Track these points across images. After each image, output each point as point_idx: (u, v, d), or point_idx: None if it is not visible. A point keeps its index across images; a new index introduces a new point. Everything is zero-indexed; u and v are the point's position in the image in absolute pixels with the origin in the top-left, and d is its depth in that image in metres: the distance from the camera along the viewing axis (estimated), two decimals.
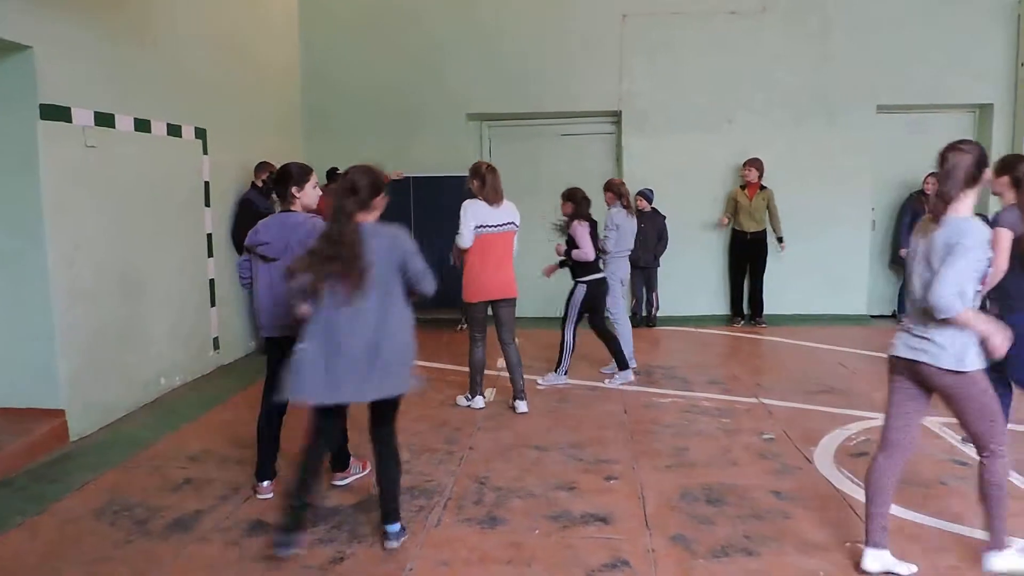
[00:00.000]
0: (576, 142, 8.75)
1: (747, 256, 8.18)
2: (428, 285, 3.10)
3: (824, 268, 8.35)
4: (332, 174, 7.62)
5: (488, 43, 8.39)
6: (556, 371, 5.87)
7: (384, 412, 3.21)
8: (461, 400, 5.32)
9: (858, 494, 3.72)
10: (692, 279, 8.48)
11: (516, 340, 5.22)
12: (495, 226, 4.94)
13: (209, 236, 6.37)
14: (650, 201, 8.03)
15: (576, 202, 5.71)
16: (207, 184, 6.33)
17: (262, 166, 6.75)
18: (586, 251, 5.53)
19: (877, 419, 4.82)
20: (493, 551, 3.22)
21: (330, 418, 3.19)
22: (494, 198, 4.93)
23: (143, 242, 5.42)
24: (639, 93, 8.35)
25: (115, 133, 5.09)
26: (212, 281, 6.40)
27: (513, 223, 5.03)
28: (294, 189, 3.64)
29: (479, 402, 5.24)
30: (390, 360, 3.00)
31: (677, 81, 8.30)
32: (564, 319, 5.79)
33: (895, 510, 3.53)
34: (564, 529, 3.42)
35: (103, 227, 4.98)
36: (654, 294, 8.26)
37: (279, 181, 3.72)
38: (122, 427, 4.96)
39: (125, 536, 3.39)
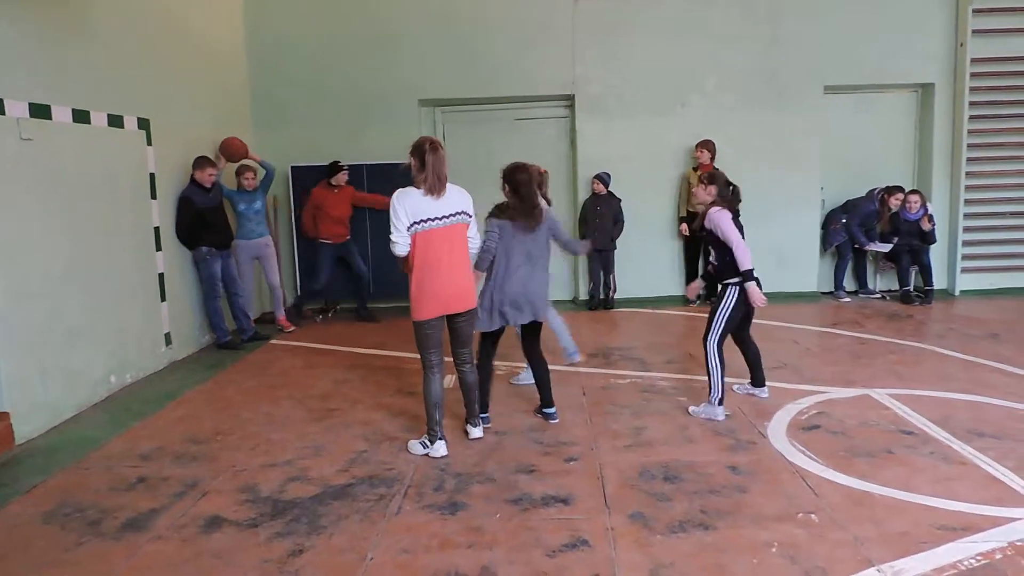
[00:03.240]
0: (530, 127, 8.74)
1: (702, 237, 8.27)
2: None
3: (776, 247, 8.50)
4: (333, 167, 7.63)
5: (440, 28, 8.31)
6: (710, 401, 4.60)
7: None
8: (416, 447, 4.17)
9: (810, 466, 3.83)
10: (648, 261, 8.57)
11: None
12: (438, 219, 3.93)
13: (157, 229, 6.20)
14: (606, 184, 8.08)
15: (719, 185, 4.69)
16: (152, 176, 6.15)
17: (201, 161, 6.54)
18: (740, 245, 4.46)
19: (828, 393, 4.98)
20: (454, 536, 3.22)
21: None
22: (435, 187, 3.90)
23: (87, 237, 5.25)
24: (592, 77, 8.36)
25: (52, 125, 4.91)
26: (162, 275, 6.25)
27: (464, 212, 4.04)
28: None
29: (440, 449, 4.11)
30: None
31: (630, 64, 8.34)
32: (708, 333, 4.58)
33: (843, 480, 3.65)
34: (524, 512, 3.44)
35: (44, 223, 4.81)
36: (611, 277, 8.32)
37: None
38: (71, 428, 4.82)
39: (76, 538, 3.30)
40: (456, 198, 4.04)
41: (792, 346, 6.34)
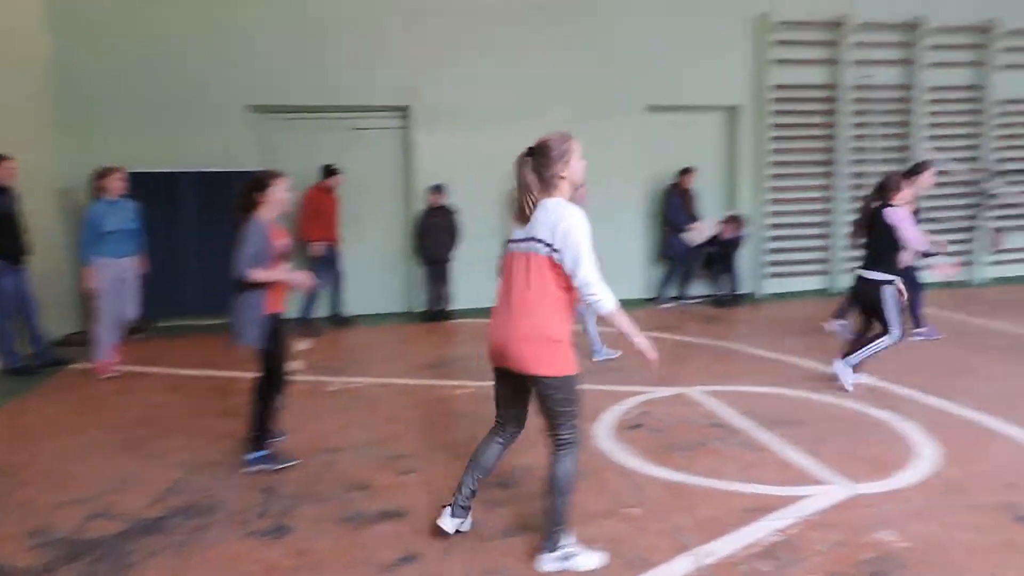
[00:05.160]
0: (365, 137, 8.60)
1: None
2: None
3: (606, 256, 8.83)
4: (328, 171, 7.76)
5: (272, 31, 7.98)
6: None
7: None
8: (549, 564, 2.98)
9: (634, 463, 4.02)
10: (484, 273, 8.63)
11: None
12: (513, 242, 3.03)
13: None
14: (442, 197, 8.11)
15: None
16: None
17: None
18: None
19: (650, 393, 5.27)
20: (281, 560, 3.07)
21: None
22: (514, 212, 3.01)
23: None
24: (428, 88, 8.36)
25: None
26: None
27: (538, 240, 2.87)
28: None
29: (586, 562, 2.97)
30: None
31: (466, 77, 8.42)
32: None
33: (663, 473, 3.86)
34: (356, 530, 3.34)
35: None
36: (447, 288, 8.35)
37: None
38: None
39: None
40: (540, 221, 2.88)
41: (620, 349, 6.65)
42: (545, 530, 3.01)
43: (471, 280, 8.57)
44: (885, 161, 9.40)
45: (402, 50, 8.28)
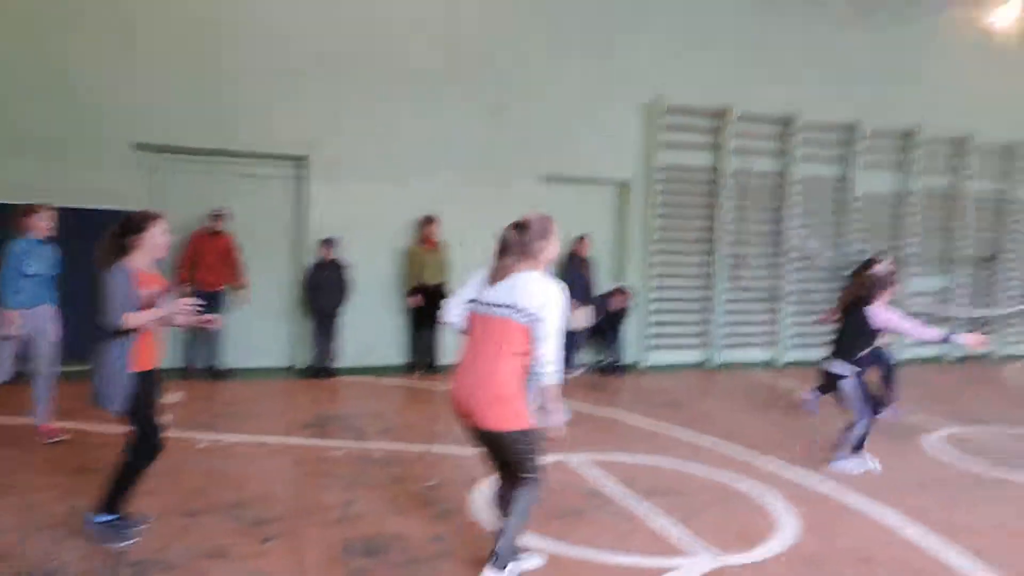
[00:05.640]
0: (259, 184, 8.40)
1: (430, 307, 8.44)
2: None
3: None
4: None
5: (169, 68, 7.73)
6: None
7: None
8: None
9: None
10: (372, 329, 8.53)
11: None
12: (485, 304, 3.31)
13: None
14: (334, 250, 7.98)
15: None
16: None
17: None
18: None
19: None
20: None
21: None
22: (494, 272, 3.34)
23: None
24: (327, 141, 8.29)
25: None
26: None
27: (519, 309, 3.19)
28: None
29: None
30: None
31: (365, 132, 8.40)
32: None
33: (539, 542, 3.84)
34: None
35: None
36: (333, 344, 8.15)
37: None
38: None
39: None
40: (517, 289, 3.23)
41: None
42: (498, 548, 3.23)
43: (359, 336, 8.41)
44: (760, 244, 10.07)
45: (302, 100, 8.21)
